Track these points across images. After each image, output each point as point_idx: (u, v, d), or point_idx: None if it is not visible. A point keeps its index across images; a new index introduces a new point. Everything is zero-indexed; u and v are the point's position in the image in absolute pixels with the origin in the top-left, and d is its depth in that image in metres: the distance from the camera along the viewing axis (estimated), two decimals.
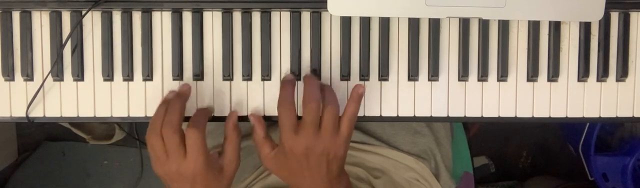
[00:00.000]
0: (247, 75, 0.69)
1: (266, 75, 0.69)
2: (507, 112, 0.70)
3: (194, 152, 0.62)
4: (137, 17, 0.69)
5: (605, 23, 0.70)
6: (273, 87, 0.69)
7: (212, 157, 0.65)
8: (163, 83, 0.69)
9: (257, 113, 0.69)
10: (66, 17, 0.68)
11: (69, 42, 0.68)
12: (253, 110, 0.69)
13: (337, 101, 0.63)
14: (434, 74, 0.69)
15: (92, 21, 0.68)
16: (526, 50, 0.70)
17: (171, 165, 0.63)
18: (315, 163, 0.63)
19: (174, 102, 0.65)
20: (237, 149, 0.67)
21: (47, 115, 0.69)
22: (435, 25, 0.69)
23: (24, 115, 0.69)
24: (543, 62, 0.70)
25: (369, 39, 0.69)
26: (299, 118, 0.63)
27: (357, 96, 0.64)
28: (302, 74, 0.69)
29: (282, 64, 0.69)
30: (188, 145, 0.62)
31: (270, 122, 0.69)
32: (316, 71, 0.69)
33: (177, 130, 0.62)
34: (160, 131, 0.62)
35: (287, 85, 0.65)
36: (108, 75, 0.68)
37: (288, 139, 0.62)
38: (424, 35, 0.69)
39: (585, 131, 1.27)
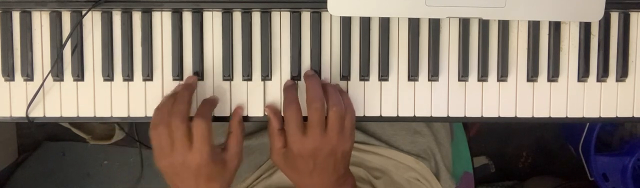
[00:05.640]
0: (247, 75, 0.69)
1: (266, 75, 0.69)
2: (507, 112, 0.70)
3: (200, 143, 0.61)
4: (137, 17, 0.69)
5: (605, 23, 0.70)
6: (273, 87, 0.69)
7: (216, 150, 0.64)
8: (163, 83, 0.69)
9: (274, 106, 0.69)
10: (66, 17, 0.68)
11: (69, 42, 0.68)
12: (253, 111, 0.69)
13: (341, 100, 0.64)
14: (434, 74, 0.69)
15: (92, 21, 0.68)
16: (526, 50, 0.70)
17: (176, 156, 0.62)
18: (324, 163, 0.63)
19: (182, 93, 0.64)
20: (241, 144, 0.66)
21: (47, 115, 0.69)
22: (435, 25, 0.69)
23: (24, 115, 0.69)
24: (543, 62, 0.70)
25: (369, 39, 0.69)
26: (304, 118, 0.63)
27: (340, 90, 0.67)
28: (302, 73, 0.69)
29: (282, 64, 0.69)
30: (194, 135, 0.61)
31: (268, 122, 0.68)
32: (316, 71, 0.69)
33: (185, 120, 0.61)
34: (168, 121, 0.61)
35: (289, 88, 0.67)
36: (108, 75, 0.68)
37: (296, 141, 0.62)
38: (424, 35, 0.69)
39: (585, 131, 1.27)
